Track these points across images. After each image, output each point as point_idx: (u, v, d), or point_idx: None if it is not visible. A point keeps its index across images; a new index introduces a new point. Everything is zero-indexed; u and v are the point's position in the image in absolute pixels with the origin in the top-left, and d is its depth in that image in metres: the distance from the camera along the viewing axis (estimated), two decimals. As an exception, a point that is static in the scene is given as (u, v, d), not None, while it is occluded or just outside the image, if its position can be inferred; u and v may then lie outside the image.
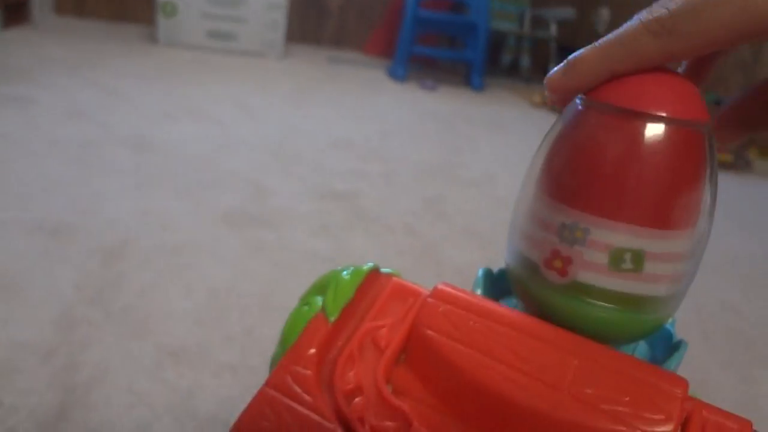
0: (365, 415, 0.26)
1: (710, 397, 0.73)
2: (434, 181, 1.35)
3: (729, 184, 1.74)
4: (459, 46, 2.97)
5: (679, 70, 0.32)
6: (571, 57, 0.28)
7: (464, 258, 0.98)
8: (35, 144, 1.19)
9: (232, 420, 0.27)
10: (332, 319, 0.29)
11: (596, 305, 0.26)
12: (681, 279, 0.27)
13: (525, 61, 3.06)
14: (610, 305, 0.26)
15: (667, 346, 0.31)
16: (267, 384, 0.28)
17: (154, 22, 2.47)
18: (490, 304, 0.28)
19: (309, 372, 0.27)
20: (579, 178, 0.26)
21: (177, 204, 1.02)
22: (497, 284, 0.34)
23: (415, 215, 1.13)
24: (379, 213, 1.12)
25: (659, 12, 0.24)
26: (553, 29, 2.93)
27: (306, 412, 0.26)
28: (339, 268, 0.32)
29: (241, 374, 0.63)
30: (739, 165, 1.88)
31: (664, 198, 0.25)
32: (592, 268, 0.26)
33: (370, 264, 0.32)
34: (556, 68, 0.28)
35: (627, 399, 0.23)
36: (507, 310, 0.28)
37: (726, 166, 1.88)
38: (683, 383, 0.24)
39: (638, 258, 0.26)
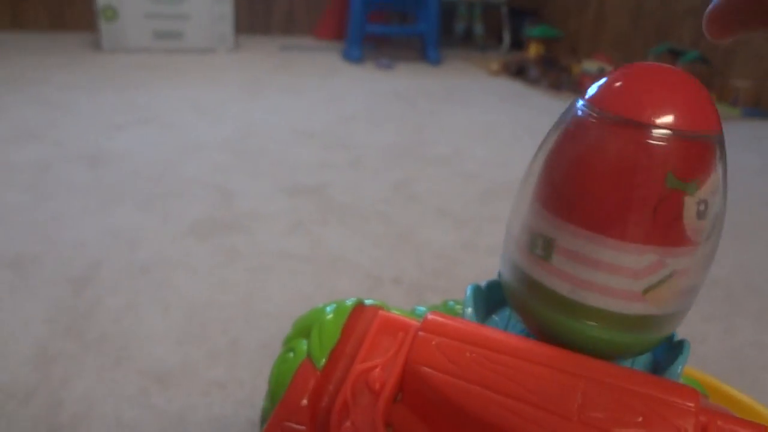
0: None
1: (697, 350, 0.74)
2: (402, 163, 1.34)
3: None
4: (411, 21, 2.94)
5: None
6: None
7: (441, 241, 0.98)
8: (-14, 172, 1.14)
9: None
10: (320, 365, 0.28)
11: (596, 324, 0.25)
12: (687, 295, 0.26)
13: (478, 29, 3.05)
14: (609, 326, 0.25)
15: (669, 347, 0.30)
16: None
17: (96, 28, 2.38)
18: (484, 330, 0.27)
19: (303, 427, 0.26)
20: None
21: (142, 219, 0.99)
22: (488, 299, 0.33)
23: (386, 201, 1.12)
24: (351, 203, 1.10)
25: None
26: (503, -6, 2.91)
27: None
28: (321, 305, 0.30)
29: (231, 390, 0.62)
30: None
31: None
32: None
33: (353, 299, 0.30)
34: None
35: (640, 420, 0.22)
36: (502, 334, 0.26)
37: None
38: (695, 395, 0.23)
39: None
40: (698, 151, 0.24)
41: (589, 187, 0.24)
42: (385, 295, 0.81)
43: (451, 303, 0.37)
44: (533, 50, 2.45)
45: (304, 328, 0.30)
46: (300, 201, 1.10)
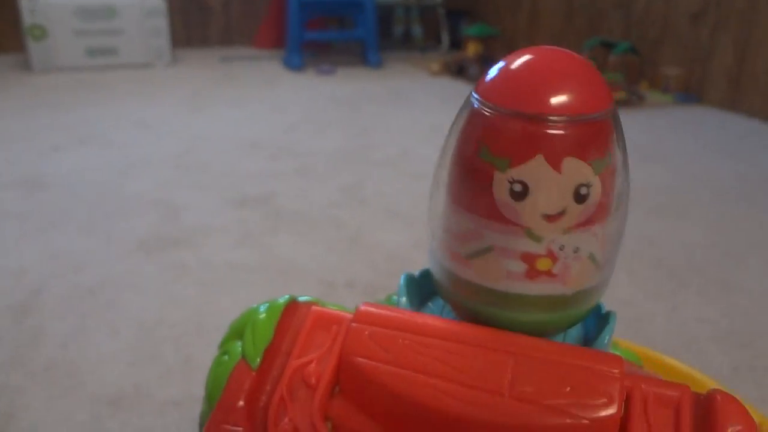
0: None
1: (646, 330, 0.77)
2: (349, 167, 1.34)
3: (626, 120, 1.81)
4: (349, 26, 2.94)
5: None
6: None
7: (393, 241, 0.98)
8: None
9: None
10: (255, 364, 0.27)
11: (521, 311, 0.26)
12: (602, 269, 0.27)
13: (417, 30, 3.07)
14: (533, 310, 0.26)
15: (598, 320, 0.31)
16: None
17: (25, 48, 2.30)
18: (416, 317, 0.27)
19: (240, 428, 0.26)
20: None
21: (85, 241, 0.96)
22: (422, 287, 0.33)
23: (336, 206, 1.12)
24: (300, 210, 1.10)
25: None
26: (439, -5, 2.95)
27: None
28: (254, 305, 0.30)
29: (187, 407, 0.61)
30: (633, 101, 1.96)
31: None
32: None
33: (286, 296, 0.30)
34: None
35: (568, 389, 0.23)
36: (434, 319, 0.27)
37: (621, 104, 1.96)
38: (620, 362, 0.24)
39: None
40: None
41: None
42: (339, 299, 0.81)
43: (395, 297, 0.38)
44: (472, 49, 2.49)
45: (238, 330, 0.30)
46: (248, 212, 1.09)
